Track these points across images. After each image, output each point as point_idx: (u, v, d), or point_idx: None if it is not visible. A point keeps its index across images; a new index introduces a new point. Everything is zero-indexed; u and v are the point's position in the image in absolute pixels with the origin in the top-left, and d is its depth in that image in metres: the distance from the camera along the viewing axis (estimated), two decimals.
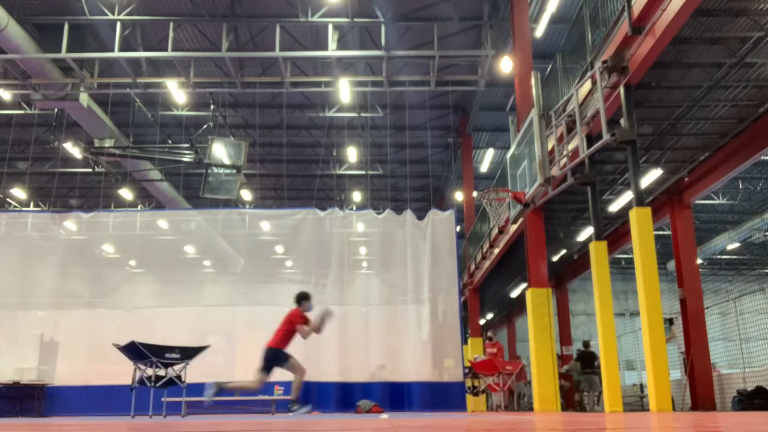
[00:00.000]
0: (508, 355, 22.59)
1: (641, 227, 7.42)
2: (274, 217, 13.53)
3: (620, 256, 19.72)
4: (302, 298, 8.44)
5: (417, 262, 12.60)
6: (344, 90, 15.10)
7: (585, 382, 14.46)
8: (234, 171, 14.74)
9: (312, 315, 8.40)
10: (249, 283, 12.63)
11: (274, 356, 8.03)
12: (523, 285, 18.71)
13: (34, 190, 22.74)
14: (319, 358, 11.88)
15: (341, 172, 21.61)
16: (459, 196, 21.31)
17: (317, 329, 8.18)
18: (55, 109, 16.00)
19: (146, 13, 13.86)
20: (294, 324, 8.15)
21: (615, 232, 14.98)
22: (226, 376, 11.59)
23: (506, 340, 27.54)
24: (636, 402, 16.93)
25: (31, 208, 23.10)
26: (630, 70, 7.73)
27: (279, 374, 11.59)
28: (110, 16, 13.49)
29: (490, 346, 12.22)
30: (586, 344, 15.28)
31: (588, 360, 14.63)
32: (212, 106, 16.49)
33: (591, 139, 8.82)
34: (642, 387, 17.52)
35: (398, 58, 14.54)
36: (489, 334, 12.38)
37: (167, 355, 8.05)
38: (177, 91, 15.44)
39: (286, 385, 11.12)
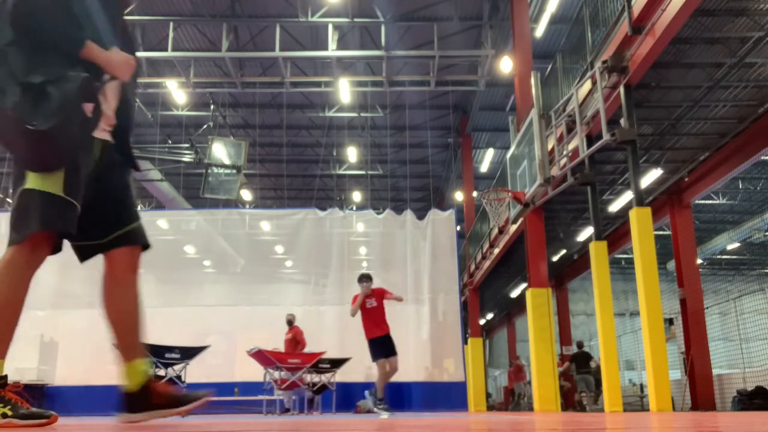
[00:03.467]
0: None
1: (641, 227, 7.42)
2: (274, 217, 13.54)
3: (620, 256, 19.71)
4: (360, 278, 8.39)
5: (417, 262, 12.60)
6: (344, 90, 15.10)
7: (581, 383, 14.50)
8: (234, 171, 14.73)
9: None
10: (249, 283, 12.63)
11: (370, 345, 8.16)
12: (523, 285, 18.72)
13: None
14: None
15: (341, 172, 21.61)
16: (459, 196, 21.31)
17: (354, 310, 8.19)
18: None
19: (146, 13, 13.87)
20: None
21: (615, 232, 14.98)
22: (226, 376, 11.60)
23: (506, 340, 27.56)
24: (636, 402, 16.94)
25: None
26: (630, 70, 7.73)
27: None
28: None
29: (288, 332, 10.55)
30: (580, 345, 15.30)
31: (583, 360, 14.65)
32: (212, 106, 16.50)
33: (591, 139, 8.82)
34: (642, 387, 17.54)
35: (398, 58, 14.54)
36: (288, 316, 10.65)
37: (167, 355, 8.05)
38: (177, 91, 15.44)
39: None
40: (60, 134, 1.97)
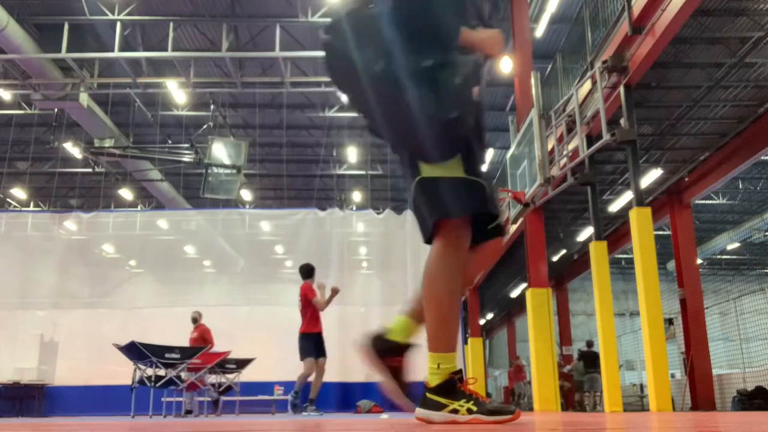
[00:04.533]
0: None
1: (641, 227, 7.42)
2: (274, 217, 13.55)
3: (620, 256, 19.72)
4: (310, 271, 8.18)
5: (417, 262, 12.60)
6: None
7: (588, 382, 14.44)
8: (234, 171, 14.74)
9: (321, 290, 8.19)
10: (249, 283, 12.63)
11: (307, 340, 7.90)
12: (523, 285, 18.71)
13: (34, 190, 22.74)
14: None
15: (341, 172, 21.61)
16: None
17: (327, 302, 7.98)
18: (55, 109, 15.99)
19: (146, 13, 13.86)
20: (309, 299, 7.96)
21: (615, 232, 14.99)
22: None
23: (506, 340, 27.56)
24: (636, 402, 16.94)
25: (31, 208, 23.10)
26: (630, 70, 7.73)
27: (281, 374, 11.59)
28: (110, 16, 13.49)
29: (193, 331, 10.04)
30: (589, 344, 15.27)
31: (590, 360, 14.62)
32: (212, 106, 16.48)
33: (591, 139, 8.82)
34: (642, 387, 17.54)
35: None
36: (194, 314, 10.16)
37: (167, 355, 8.04)
38: (177, 91, 15.43)
39: (286, 386, 11.12)
40: (460, 121, 1.92)
